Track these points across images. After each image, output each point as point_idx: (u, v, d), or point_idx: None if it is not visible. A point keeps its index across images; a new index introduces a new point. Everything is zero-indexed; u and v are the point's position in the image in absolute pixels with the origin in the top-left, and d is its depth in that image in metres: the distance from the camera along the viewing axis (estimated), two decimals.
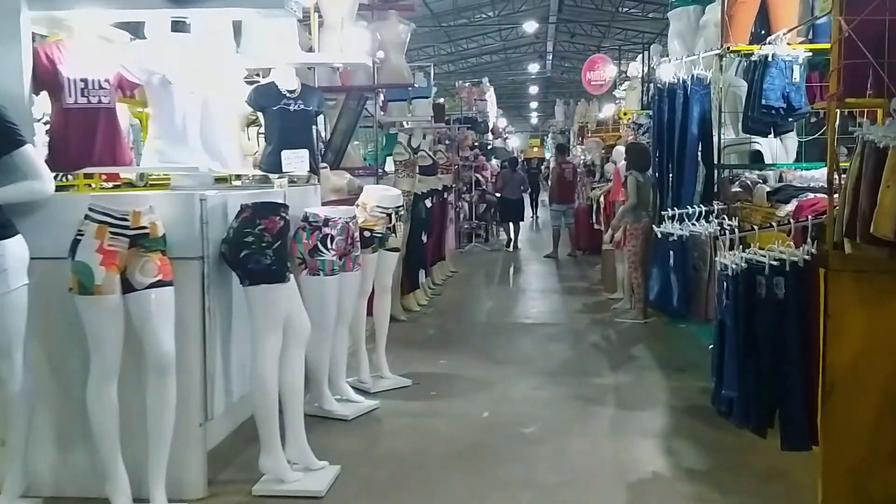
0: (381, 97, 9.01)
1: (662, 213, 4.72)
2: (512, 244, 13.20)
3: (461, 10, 23.04)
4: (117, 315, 3.02)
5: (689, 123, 4.85)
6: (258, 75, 5.22)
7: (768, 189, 4.09)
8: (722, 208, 4.67)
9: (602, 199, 9.64)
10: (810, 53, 4.58)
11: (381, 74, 6.84)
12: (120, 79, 3.93)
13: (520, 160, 22.40)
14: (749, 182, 4.40)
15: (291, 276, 3.65)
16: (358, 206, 5.04)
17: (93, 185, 4.19)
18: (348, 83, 7.11)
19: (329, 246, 4.40)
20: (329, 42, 5.13)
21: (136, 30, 4.25)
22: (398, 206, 5.11)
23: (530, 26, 20.97)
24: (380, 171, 7.36)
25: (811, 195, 3.88)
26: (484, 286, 9.40)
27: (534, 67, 29.70)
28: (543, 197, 18.19)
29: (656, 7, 20.93)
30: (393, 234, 5.10)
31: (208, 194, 3.38)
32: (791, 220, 3.58)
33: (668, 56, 10.97)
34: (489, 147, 17.95)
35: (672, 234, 4.58)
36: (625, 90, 12.88)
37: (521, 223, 15.38)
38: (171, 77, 3.90)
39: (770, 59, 4.47)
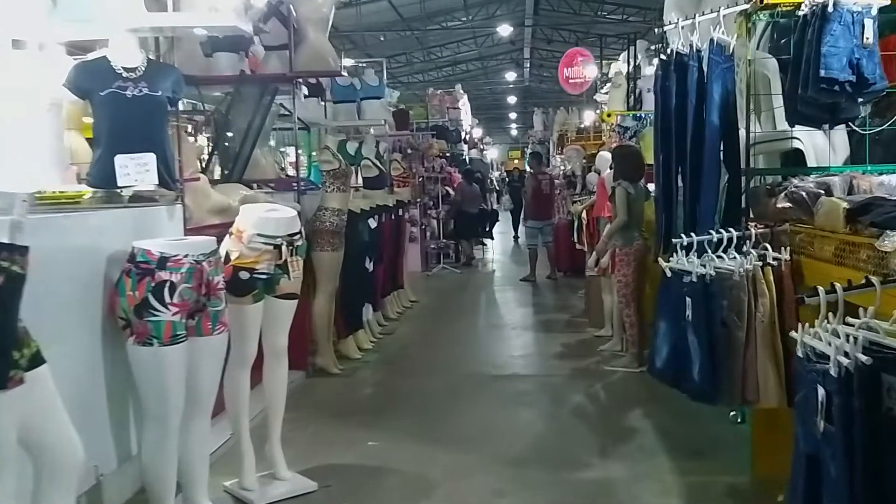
0: (327, 92, 7.45)
1: (673, 240, 3.15)
2: (470, 260, 11.81)
3: (432, 15, 21.56)
4: None
5: (708, 110, 3.29)
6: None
7: (846, 205, 2.57)
8: (763, 232, 3.12)
9: (584, 214, 8.09)
10: (887, 1, 3.05)
11: (297, 59, 5.26)
12: None
13: (491, 173, 20.92)
14: (805, 194, 2.88)
15: (25, 375, 2.03)
16: (232, 234, 3.45)
17: None
18: (260, 71, 5.54)
19: (167, 299, 2.86)
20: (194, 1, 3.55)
21: None
22: (293, 234, 3.52)
23: (505, 30, 19.53)
24: (303, 184, 5.76)
25: None
26: (446, 320, 7.79)
27: (511, 76, 28.29)
28: None
29: (636, 10, 19.58)
30: (286, 276, 3.50)
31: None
32: None
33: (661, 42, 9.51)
34: (462, 158, 16.40)
35: (688, 273, 3.02)
36: (607, 92, 11.39)
37: (486, 240, 13.87)
38: None
39: (831, 9, 2.94)
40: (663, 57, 3.44)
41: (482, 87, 32.06)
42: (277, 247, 3.44)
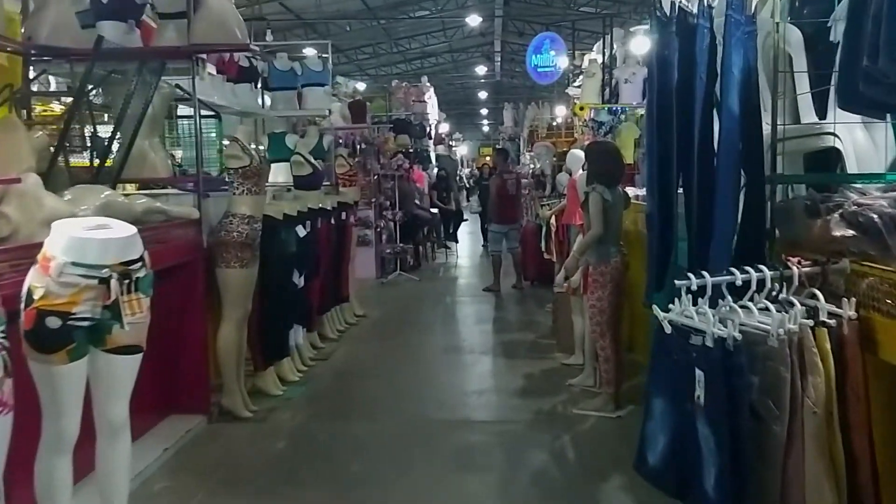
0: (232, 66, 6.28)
1: (676, 281, 2.09)
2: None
3: (399, 5, 20.42)
4: None
5: (725, 90, 2.26)
6: None
7: None
8: (811, 272, 2.09)
9: (553, 220, 7.07)
10: None
11: (195, 29, 4.13)
12: None
13: (461, 170, 19.94)
14: (877, 217, 1.87)
15: None
16: (38, 263, 2.35)
17: None
18: (155, 44, 4.40)
19: None
20: None
21: None
22: (130, 262, 2.43)
23: (474, 20, 18.43)
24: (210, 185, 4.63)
25: None
26: (394, 341, 6.70)
27: (482, 69, 27.22)
28: None
29: (610, 3, 18.63)
30: (119, 324, 2.41)
31: None
32: None
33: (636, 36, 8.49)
34: (426, 154, 15.29)
35: (698, 333, 1.99)
36: (579, 85, 10.38)
37: (450, 243, 12.84)
38: None
39: None
40: (660, 16, 2.40)
41: (453, 82, 30.98)
42: (104, 281, 2.34)
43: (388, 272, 10.18)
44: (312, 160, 6.01)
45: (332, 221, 6.47)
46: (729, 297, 2.07)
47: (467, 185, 22.93)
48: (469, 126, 39.75)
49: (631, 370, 4.89)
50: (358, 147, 9.92)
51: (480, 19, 18.87)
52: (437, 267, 11.59)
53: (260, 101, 7.63)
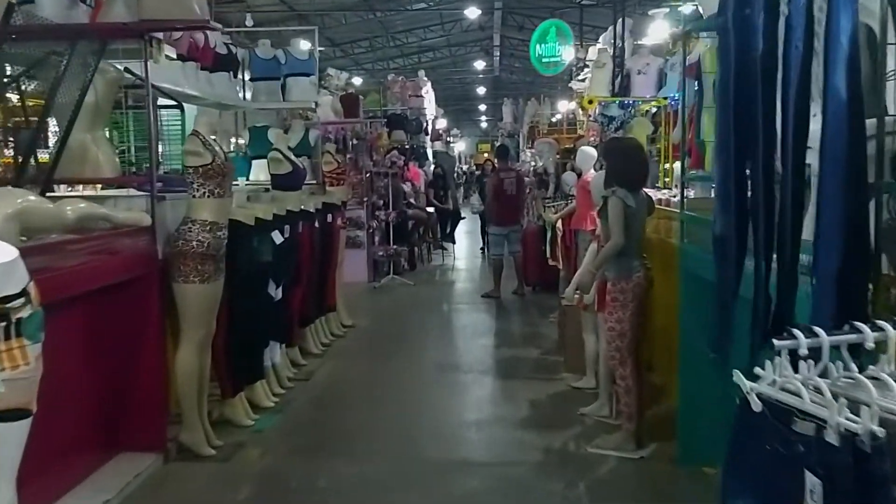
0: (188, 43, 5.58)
1: (775, 341, 1.43)
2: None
3: None
4: None
5: (831, 66, 1.60)
6: None
7: None
8: None
9: (559, 224, 6.41)
10: None
11: (145, 4, 3.46)
12: None
13: (459, 166, 19.35)
14: None
15: None
16: None
17: None
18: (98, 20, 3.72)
19: None
20: None
21: None
22: (8, 299, 1.76)
23: (472, 13, 17.73)
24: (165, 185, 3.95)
25: None
26: (383, 356, 6.03)
27: (480, 64, 26.52)
28: None
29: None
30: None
31: None
32: None
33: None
34: (423, 150, 14.61)
35: (807, 418, 1.32)
36: (583, 79, 9.70)
37: (447, 244, 12.15)
38: None
39: None
40: None
41: (451, 77, 30.27)
42: None
43: (380, 276, 9.51)
44: (292, 157, 5.33)
45: (316, 224, 5.81)
46: (850, 363, 1.42)
47: (463, 183, 22.26)
48: (467, 122, 39.07)
49: (652, 394, 4.24)
50: (349, 143, 9.25)
51: (479, 12, 18.18)
52: (434, 269, 10.92)
53: (241, 92, 6.99)
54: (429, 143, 15.76)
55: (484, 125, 38.82)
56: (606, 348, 4.05)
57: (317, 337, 6.16)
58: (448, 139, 21.46)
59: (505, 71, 29.81)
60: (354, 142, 9.21)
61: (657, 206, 4.37)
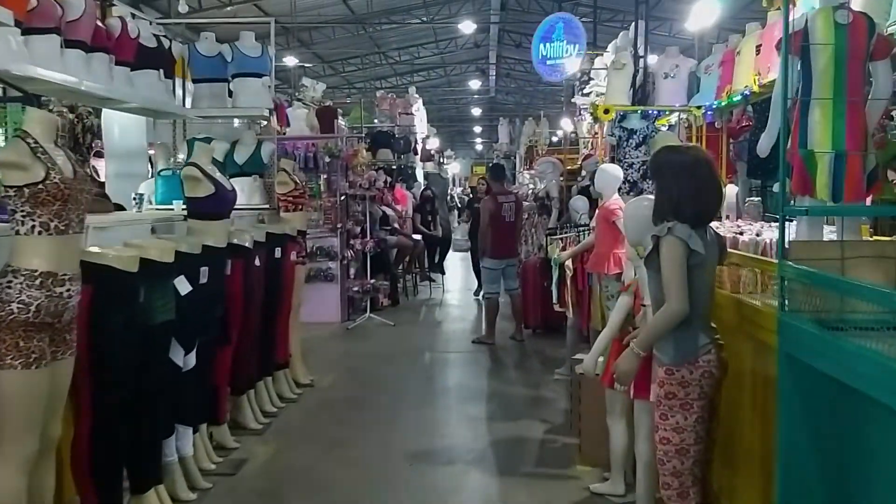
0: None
1: None
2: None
3: (387, 13, 18.44)
4: None
5: None
6: None
7: None
8: None
9: (569, 262, 5.02)
10: None
11: None
12: None
13: (453, 189, 18.06)
14: None
15: None
16: None
17: None
18: None
19: None
20: None
21: None
22: None
23: (468, 27, 16.48)
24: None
25: None
26: (341, 438, 4.53)
27: (476, 84, 25.33)
28: None
29: (612, 15, 16.71)
30: None
31: None
32: None
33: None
34: (411, 171, 13.25)
35: None
36: (588, 93, 8.36)
37: (435, 275, 10.74)
38: None
39: None
40: None
41: (446, 97, 29.10)
42: None
43: (356, 314, 8.09)
44: (217, 175, 3.92)
45: (257, 263, 4.40)
46: None
47: (458, 206, 20.89)
48: (462, 144, 37.89)
49: None
50: (321, 161, 7.87)
51: (475, 26, 16.96)
52: (419, 306, 9.47)
53: (180, 95, 5.62)
54: (419, 164, 14.44)
55: (479, 147, 37.67)
56: (658, 468, 2.62)
57: (259, 404, 4.72)
58: (441, 160, 20.08)
59: (501, 92, 28.68)
60: (327, 160, 7.83)
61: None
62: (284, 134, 8.51)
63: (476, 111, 30.17)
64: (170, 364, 3.39)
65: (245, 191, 5.50)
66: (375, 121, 13.47)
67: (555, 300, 5.32)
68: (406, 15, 19.17)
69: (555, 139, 14.98)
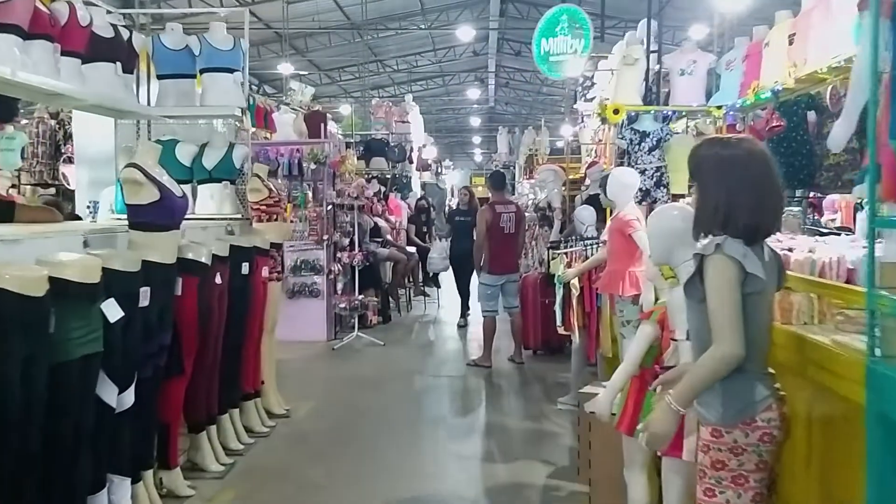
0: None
1: None
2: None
3: (384, 20, 17.95)
4: None
5: None
6: None
7: None
8: None
9: (577, 282, 4.42)
10: None
11: None
12: None
13: (450, 200, 17.53)
14: None
15: None
16: None
17: None
18: None
19: None
20: None
21: None
22: None
23: (466, 33, 15.95)
24: None
25: None
26: (308, 487, 3.91)
27: (475, 93, 24.83)
28: None
29: (616, 22, 16.22)
30: None
31: None
32: None
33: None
34: (406, 180, 12.67)
35: None
36: (591, 99, 7.79)
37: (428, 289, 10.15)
38: None
39: None
40: None
41: (445, 107, 28.62)
42: None
43: (343, 333, 7.48)
44: (164, 178, 3.32)
45: (218, 281, 3.80)
46: None
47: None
48: (461, 155, 37.40)
49: None
50: (305, 168, 7.30)
51: (474, 32, 16.45)
52: (412, 322, 8.86)
53: (145, 92, 5.06)
54: (415, 174, 13.87)
55: (478, 158, 37.18)
56: None
57: (222, 441, 4.11)
58: (439, 170, 19.50)
59: (500, 102, 28.20)
60: (313, 167, 7.25)
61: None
62: (268, 139, 7.96)
63: (475, 121, 29.70)
64: (98, 404, 2.79)
65: (214, 198, 4.93)
66: (372, 129, 12.95)
67: (559, 322, 4.72)
68: (404, 22, 18.69)
69: (557, 146, 14.42)
